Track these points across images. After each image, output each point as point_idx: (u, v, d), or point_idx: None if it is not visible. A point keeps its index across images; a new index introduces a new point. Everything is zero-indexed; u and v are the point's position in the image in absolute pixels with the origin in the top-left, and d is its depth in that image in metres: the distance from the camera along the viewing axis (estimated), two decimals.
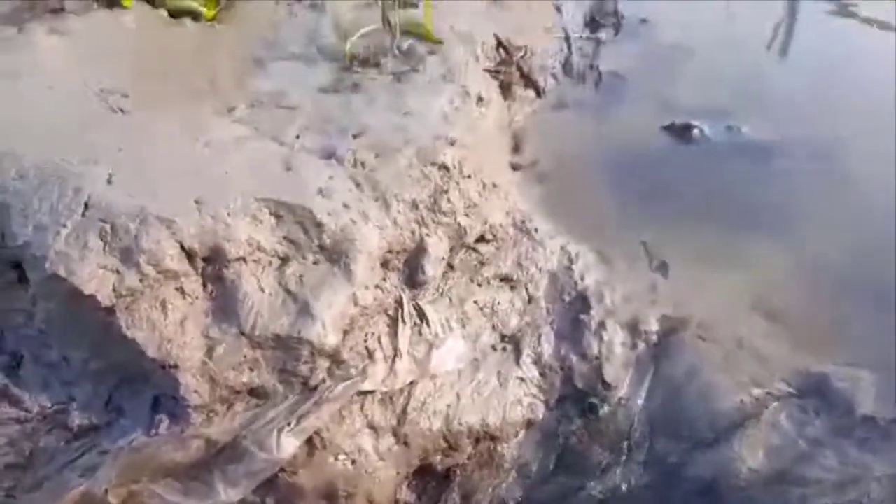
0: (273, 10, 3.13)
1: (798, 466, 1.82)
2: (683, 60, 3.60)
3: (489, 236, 2.31)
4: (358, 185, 2.09)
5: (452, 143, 2.28)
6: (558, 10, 3.68)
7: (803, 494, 1.71)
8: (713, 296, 2.29)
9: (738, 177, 2.83)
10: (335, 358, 1.83)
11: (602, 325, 2.19)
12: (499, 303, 2.24)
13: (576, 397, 2.11)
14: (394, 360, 1.92)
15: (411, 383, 1.97)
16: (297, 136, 2.27)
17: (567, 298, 2.28)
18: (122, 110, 2.40)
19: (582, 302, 2.26)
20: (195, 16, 3.02)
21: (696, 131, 3.00)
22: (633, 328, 2.19)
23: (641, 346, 2.16)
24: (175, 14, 2.99)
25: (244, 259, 1.85)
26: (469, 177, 2.27)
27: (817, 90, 3.48)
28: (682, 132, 3.01)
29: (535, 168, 2.89)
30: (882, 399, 1.98)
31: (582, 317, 2.21)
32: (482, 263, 2.28)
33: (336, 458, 1.84)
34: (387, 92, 2.57)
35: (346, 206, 2.00)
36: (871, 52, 3.98)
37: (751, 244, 2.48)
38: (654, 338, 2.16)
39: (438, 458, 2.01)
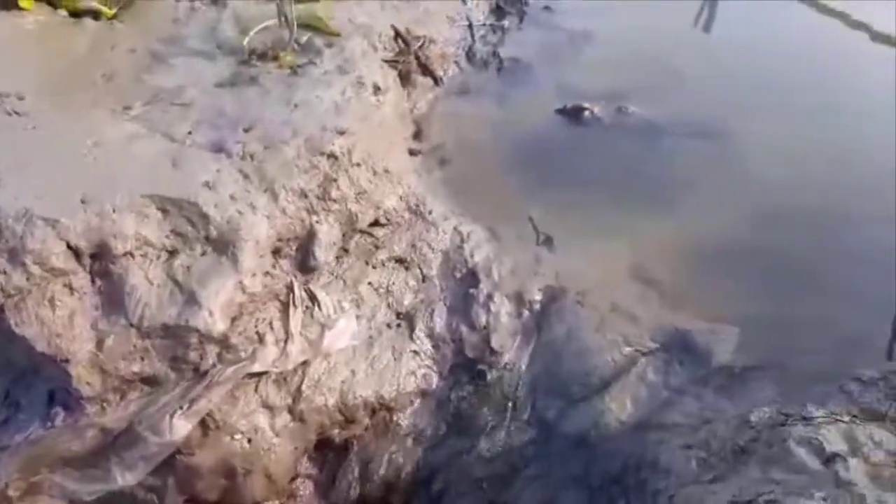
0: (174, 6, 3.16)
1: (661, 414, 1.99)
2: (584, 46, 3.76)
3: (383, 220, 2.43)
4: (246, 176, 2.17)
5: (342, 133, 2.38)
6: None
7: (662, 438, 1.88)
8: (593, 265, 2.45)
9: (624, 155, 3.00)
10: (224, 343, 1.92)
11: (490, 297, 2.33)
12: (393, 283, 2.35)
13: (466, 366, 2.25)
14: (285, 343, 2.02)
15: (304, 363, 2.07)
16: (189, 132, 2.34)
17: (458, 275, 2.41)
18: (16, 113, 2.42)
19: (472, 277, 2.39)
20: (96, 15, 3.04)
21: (587, 113, 3.15)
22: (519, 299, 2.34)
23: (526, 314, 2.30)
24: (76, 14, 3.01)
25: (131, 253, 1.93)
26: (359, 165, 2.37)
27: (715, 72, 3.67)
28: (574, 115, 3.17)
29: (435, 152, 3.01)
30: (741, 350, 2.17)
31: (471, 291, 2.35)
32: (377, 246, 2.39)
33: (232, 438, 1.94)
34: (282, 85, 2.65)
35: (233, 197, 2.08)
36: (788, 32, 4.19)
37: (631, 217, 2.65)
38: (538, 306, 2.31)
39: (336, 431, 2.12)
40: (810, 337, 2.20)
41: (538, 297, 2.34)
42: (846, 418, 1.70)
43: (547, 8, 4.05)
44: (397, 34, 3.10)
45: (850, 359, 2.05)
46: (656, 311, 2.29)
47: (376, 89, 2.85)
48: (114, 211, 1.94)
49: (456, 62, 3.52)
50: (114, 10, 3.05)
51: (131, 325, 1.85)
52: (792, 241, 2.65)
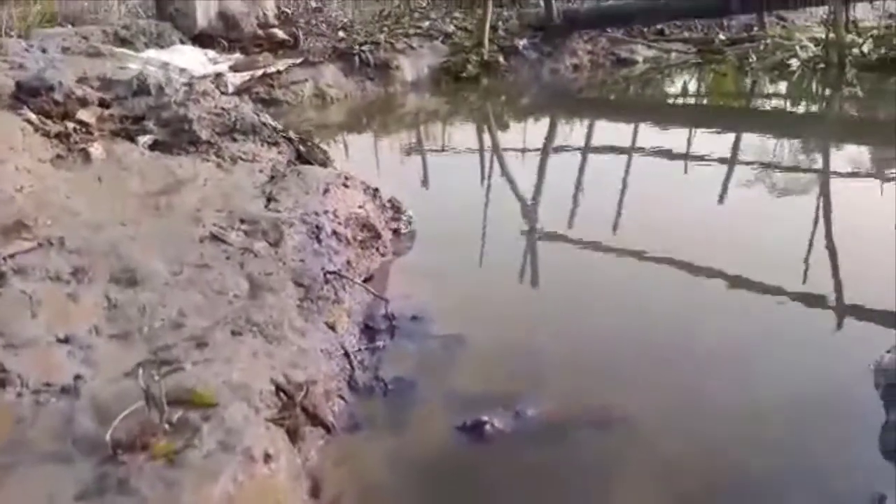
0: (16, 403, 2.82)
1: None
2: (458, 350, 3.82)
3: None
4: None
5: None
6: (332, 328, 3.79)
7: None
8: None
9: (539, 469, 2.89)
10: None
11: None
12: None
13: None
14: None
15: None
16: None
17: None
18: None
19: None
20: None
21: (487, 427, 3.07)
22: None
23: None
24: None
25: None
26: None
27: (591, 353, 3.84)
28: (475, 430, 3.07)
29: None
30: None
31: None
32: None
33: None
34: (160, 485, 2.32)
35: None
36: (620, 287, 4.59)
37: None
38: None
39: None
40: None
41: None
42: None
43: (414, 318, 4.15)
44: (278, 388, 2.95)
45: None
46: None
47: (266, 458, 2.61)
48: None
49: (340, 396, 3.38)
50: None
51: None
52: None
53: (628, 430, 3.09)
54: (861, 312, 4.08)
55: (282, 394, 2.95)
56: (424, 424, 3.23)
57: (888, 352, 3.20)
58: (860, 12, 12.27)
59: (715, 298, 4.38)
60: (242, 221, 4.33)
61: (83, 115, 5.13)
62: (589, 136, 9.32)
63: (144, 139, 5.17)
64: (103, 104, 5.46)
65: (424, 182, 7.40)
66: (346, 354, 3.61)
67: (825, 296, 4.28)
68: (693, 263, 4.72)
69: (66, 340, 3.25)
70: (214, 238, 4.15)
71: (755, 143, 8.40)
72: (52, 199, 4.38)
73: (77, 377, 2.98)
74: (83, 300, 3.55)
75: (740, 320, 4.09)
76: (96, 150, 4.82)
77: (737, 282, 4.47)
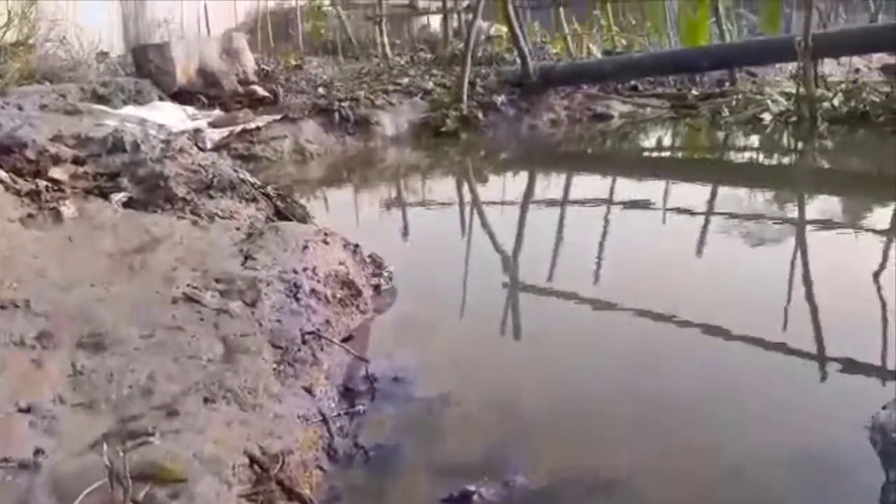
0: None
1: None
2: (442, 412, 3.68)
3: None
4: None
5: None
6: (310, 392, 3.63)
7: None
8: None
9: None
10: None
11: None
12: None
13: None
14: None
15: None
16: None
17: None
18: None
19: None
20: None
21: (475, 497, 2.91)
22: None
23: None
24: None
25: None
26: None
27: (578, 410, 3.71)
28: (462, 502, 2.91)
29: None
30: None
31: None
32: None
33: None
34: None
35: None
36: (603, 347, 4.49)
37: None
38: None
39: None
40: None
41: None
42: None
43: (396, 379, 4.02)
44: (252, 460, 2.78)
45: None
46: None
47: None
48: None
49: (318, 465, 3.21)
50: None
51: None
52: None
53: (623, 494, 2.95)
54: (847, 366, 4.02)
55: (256, 466, 2.78)
56: (408, 495, 3.08)
57: (884, 408, 3.11)
58: (828, 68, 12.66)
59: (704, 351, 4.31)
60: (218, 281, 4.20)
61: (56, 172, 5.02)
62: (567, 190, 9.36)
63: (118, 196, 5.06)
64: (77, 161, 5.36)
65: (405, 236, 7.34)
66: (325, 420, 3.44)
67: (809, 348, 4.23)
68: (674, 315, 4.66)
69: (28, 410, 3.08)
70: (188, 299, 4.01)
71: (730, 195, 8.48)
72: (19, 259, 4.24)
73: (38, 451, 2.80)
74: (48, 366, 3.38)
75: (729, 374, 4.00)
76: (68, 208, 4.69)
77: (722, 333, 4.41)
